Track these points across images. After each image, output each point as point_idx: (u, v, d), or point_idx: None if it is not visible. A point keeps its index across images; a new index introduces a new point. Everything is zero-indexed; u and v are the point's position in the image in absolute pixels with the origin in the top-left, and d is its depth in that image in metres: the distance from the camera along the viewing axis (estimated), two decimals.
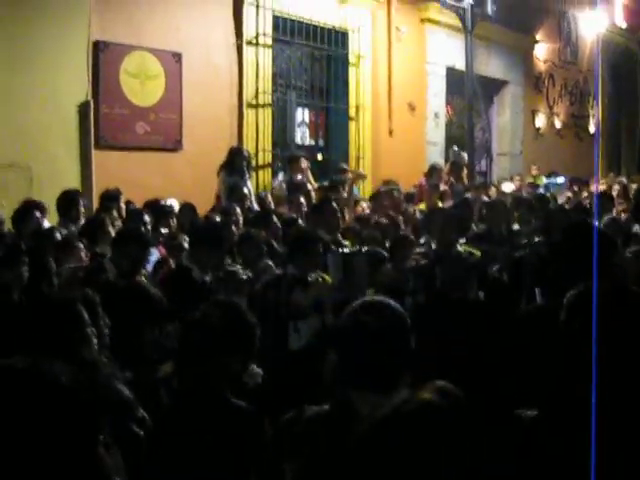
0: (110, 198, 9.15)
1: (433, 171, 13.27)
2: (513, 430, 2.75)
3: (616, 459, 2.42)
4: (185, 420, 3.39)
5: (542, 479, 2.60)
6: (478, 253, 7.59)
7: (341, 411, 2.87)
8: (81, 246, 7.03)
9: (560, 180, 16.88)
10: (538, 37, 20.98)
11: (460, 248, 7.62)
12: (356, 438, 1.82)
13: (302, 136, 14.75)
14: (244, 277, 6.75)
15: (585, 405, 2.50)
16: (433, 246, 7.92)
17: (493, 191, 14.24)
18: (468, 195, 12.04)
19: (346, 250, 7.62)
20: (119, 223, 8.05)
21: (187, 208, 9.29)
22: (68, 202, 8.67)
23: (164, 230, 8.26)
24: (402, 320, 2.99)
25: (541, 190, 15.70)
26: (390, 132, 15.71)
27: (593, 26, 21.78)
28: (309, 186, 11.16)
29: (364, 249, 7.57)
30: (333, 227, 8.21)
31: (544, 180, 17.42)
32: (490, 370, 4.78)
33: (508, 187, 15.52)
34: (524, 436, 2.68)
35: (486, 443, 1.99)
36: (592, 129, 23.09)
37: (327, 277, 6.76)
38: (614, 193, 13.35)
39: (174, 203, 9.64)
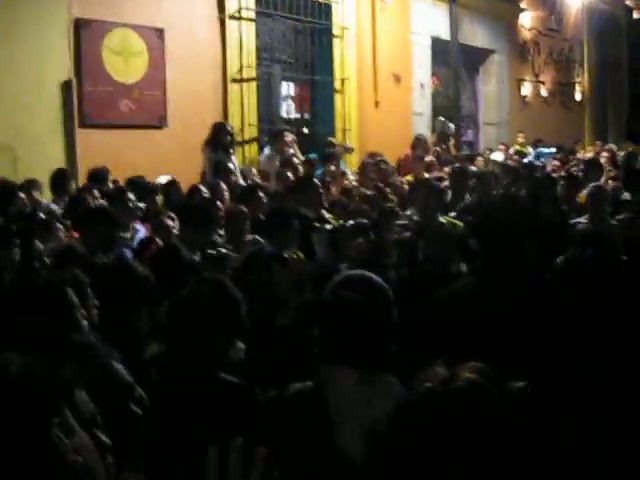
0: (97, 177, 9.13)
1: (418, 142, 13.25)
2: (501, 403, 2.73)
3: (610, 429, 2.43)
4: (177, 399, 3.39)
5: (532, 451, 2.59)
6: (461, 225, 7.57)
7: (323, 387, 2.88)
8: (60, 226, 7.00)
9: (550, 149, 16.86)
10: (523, 5, 20.91)
11: (443, 220, 7.60)
12: (393, 414, 1.77)
13: (288, 110, 14.69)
14: (227, 254, 6.76)
15: (574, 375, 2.51)
16: (415, 218, 7.90)
17: (480, 161, 14.22)
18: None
19: (330, 226, 7.64)
20: (103, 202, 7.99)
21: (171, 184, 9.26)
22: (60, 179, 8.98)
23: (141, 205, 8.15)
24: (384, 294, 2.98)
25: (530, 159, 15.71)
26: (376, 104, 15.65)
27: None
28: (296, 160, 11.12)
29: (348, 223, 7.58)
30: (316, 204, 8.19)
31: (530, 150, 17.38)
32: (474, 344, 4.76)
33: (498, 156, 15.51)
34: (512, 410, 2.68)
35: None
36: (578, 97, 23.07)
37: (300, 254, 6.76)
38: (602, 160, 13.33)
39: (165, 180, 9.65)
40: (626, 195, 9.30)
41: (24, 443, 1.56)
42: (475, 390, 1.68)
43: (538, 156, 16.14)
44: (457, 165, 11.11)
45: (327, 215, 8.28)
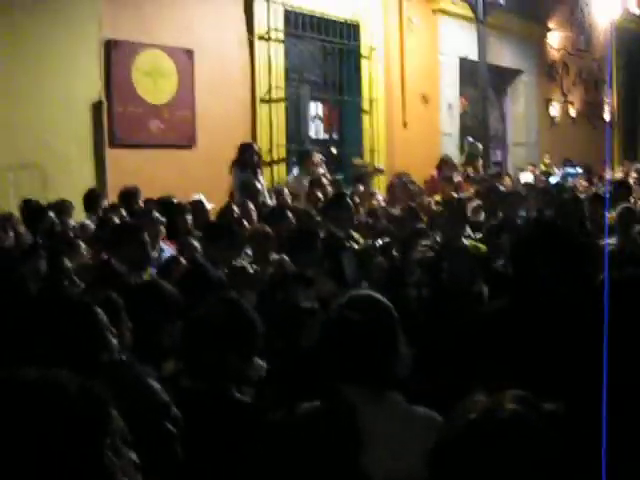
0: (128, 197, 9.19)
1: (444, 163, 13.24)
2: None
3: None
4: (190, 418, 3.41)
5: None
6: (484, 247, 7.58)
7: (331, 406, 2.91)
8: (83, 245, 7.06)
9: (577, 169, 16.79)
10: (551, 25, 20.87)
11: (466, 242, 7.61)
12: (437, 444, 1.79)
13: (316, 130, 14.76)
14: (251, 272, 6.79)
15: (600, 398, 2.49)
16: (438, 239, 7.91)
17: (507, 181, 14.19)
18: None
19: (359, 246, 7.67)
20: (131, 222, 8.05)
21: (197, 203, 9.30)
22: (93, 199, 9.21)
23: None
24: (388, 314, 3.03)
25: (557, 179, 15.65)
26: (404, 124, 15.68)
27: (606, 13, 21.65)
28: (324, 180, 11.14)
29: (378, 243, 7.60)
30: (347, 223, 8.21)
31: (556, 170, 17.28)
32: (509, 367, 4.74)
33: (526, 177, 15.46)
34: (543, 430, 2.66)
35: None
36: (607, 117, 22.98)
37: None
38: (631, 181, 13.26)
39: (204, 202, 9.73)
40: None
41: (81, 465, 1.57)
42: (519, 420, 1.70)
43: (565, 176, 16.06)
44: (489, 184, 11.11)
45: (355, 235, 8.30)
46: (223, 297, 3.94)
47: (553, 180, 15.36)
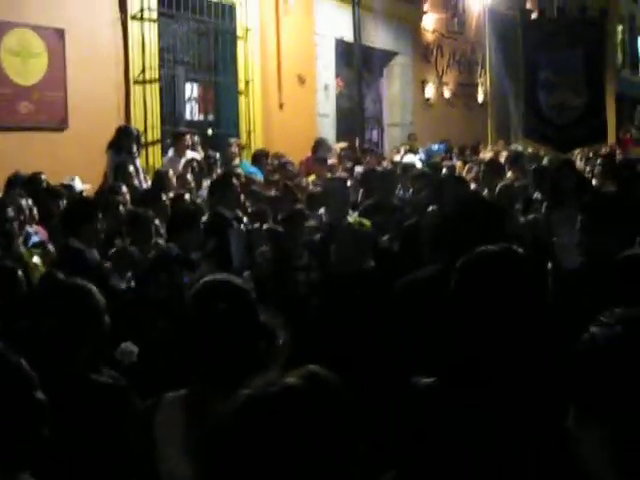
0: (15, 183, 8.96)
1: (319, 145, 13.32)
2: (410, 398, 2.78)
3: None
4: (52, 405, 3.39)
5: (439, 446, 2.63)
6: (368, 223, 7.64)
7: (197, 393, 2.94)
8: None
9: (436, 147, 17.00)
10: (426, 8, 21.15)
11: (350, 219, 7.66)
12: (211, 424, 1.78)
13: (191, 111, 14.66)
14: (134, 254, 6.78)
15: (477, 370, 2.57)
16: (324, 218, 7.96)
17: (385, 162, 14.38)
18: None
19: (247, 227, 7.68)
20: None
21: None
22: None
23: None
24: (246, 298, 3.04)
25: (421, 157, 15.89)
26: (280, 105, 15.69)
27: None
28: (195, 163, 11.08)
29: (265, 226, 7.63)
30: (233, 202, 8.22)
31: (420, 148, 17.42)
32: (384, 340, 4.81)
33: (410, 158, 15.61)
34: (421, 403, 2.72)
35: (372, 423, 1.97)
36: (480, 98, 23.46)
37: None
38: (502, 160, 13.57)
39: (77, 183, 9.59)
40: (537, 195, 9.46)
41: None
42: (287, 396, 1.67)
43: (428, 154, 16.28)
44: (367, 167, 11.24)
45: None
46: (65, 283, 3.85)
47: (417, 157, 15.59)
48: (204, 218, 7.76)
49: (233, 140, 13.33)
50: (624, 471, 1.63)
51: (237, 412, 1.68)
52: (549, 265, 6.11)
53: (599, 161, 11.51)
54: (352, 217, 7.81)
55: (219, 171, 11.02)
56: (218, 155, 12.13)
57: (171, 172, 10.32)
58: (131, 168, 10.09)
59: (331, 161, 12.81)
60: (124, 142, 10.74)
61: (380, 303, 5.22)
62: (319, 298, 6.37)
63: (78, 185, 9.79)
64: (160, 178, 10.19)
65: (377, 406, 2.97)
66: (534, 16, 11.85)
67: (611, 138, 23.21)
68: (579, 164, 13.24)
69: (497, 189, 8.93)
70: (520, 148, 16.38)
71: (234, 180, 8.63)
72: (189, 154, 11.76)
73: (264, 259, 7.02)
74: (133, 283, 6.59)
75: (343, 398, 1.72)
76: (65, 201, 8.32)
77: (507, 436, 2.45)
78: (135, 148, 10.95)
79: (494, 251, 2.80)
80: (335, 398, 1.70)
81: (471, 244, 3.11)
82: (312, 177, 11.81)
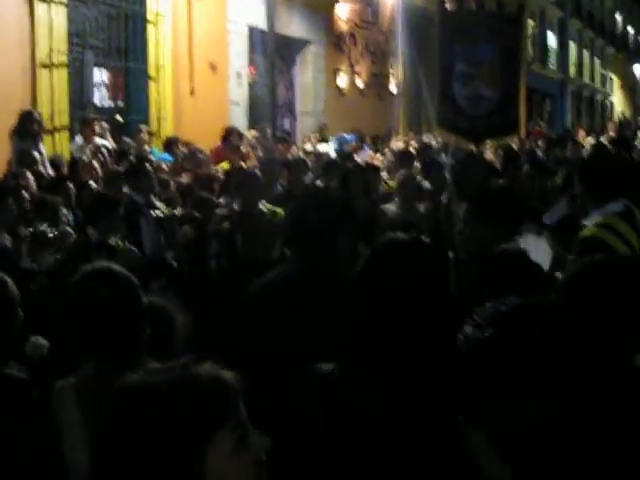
0: None
1: (230, 133, 13.21)
2: (309, 384, 2.77)
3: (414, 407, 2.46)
4: None
5: (341, 429, 2.63)
6: (281, 211, 7.61)
7: (87, 379, 2.92)
8: None
9: (347, 136, 17.04)
10: None
11: (263, 208, 7.62)
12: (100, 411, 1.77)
13: (100, 97, 14.39)
14: (50, 235, 6.69)
15: (379, 355, 2.56)
16: (235, 207, 7.91)
17: (294, 150, 14.37)
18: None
19: (159, 214, 7.61)
20: None
21: None
22: None
23: None
24: (129, 283, 3.03)
25: (333, 145, 15.94)
26: (192, 92, 15.53)
27: None
28: (105, 150, 10.91)
29: (177, 212, 7.57)
30: (147, 189, 8.15)
31: (331, 138, 17.45)
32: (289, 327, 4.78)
33: (324, 148, 15.60)
34: (321, 389, 2.71)
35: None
36: (393, 88, 23.59)
37: (123, 243, 6.74)
38: (412, 150, 13.71)
39: None
40: (427, 184, 9.57)
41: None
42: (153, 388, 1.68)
43: (340, 143, 16.31)
44: (266, 156, 11.22)
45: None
46: None
47: (329, 147, 15.62)
48: None
49: (142, 127, 13.15)
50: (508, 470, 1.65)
51: (113, 400, 1.71)
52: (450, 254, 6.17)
53: (501, 153, 11.78)
54: (264, 206, 7.77)
55: (132, 159, 10.85)
56: (131, 142, 11.97)
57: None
58: (36, 154, 9.87)
59: (243, 149, 12.71)
60: (28, 127, 10.48)
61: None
62: (229, 285, 6.38)
63: None
64: (75, 165, 10.07)
65: (273, 392, 2.99)
66: (451, 7, 11.93)
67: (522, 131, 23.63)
68: (489, 155, 13.42)
69: (398, 179, 9.01)
70: (431, 139, 16.54)
71: (148, 166, 8.55)
72: (97, 141, 11.54)
73: (186, 238, 7.01)
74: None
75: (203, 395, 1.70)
76: None
77: (407, 423, 2.44)
78: (39, 134, 10.69)
79: (402, 239, 2.81)
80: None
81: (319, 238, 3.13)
82: (224, 165, 11.70)
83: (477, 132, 10.19)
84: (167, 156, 11.94)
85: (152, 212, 7.58)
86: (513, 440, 1.65)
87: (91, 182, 9.09)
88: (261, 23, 16.30)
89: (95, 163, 9.89)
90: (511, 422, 1.65)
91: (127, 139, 12.25)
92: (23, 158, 9.80)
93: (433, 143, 15.09)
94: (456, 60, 10.55)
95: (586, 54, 48.99)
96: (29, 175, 8.76)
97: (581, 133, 22.47)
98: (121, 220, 7.01)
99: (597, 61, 51.66)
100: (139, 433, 1.62)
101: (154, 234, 7.12)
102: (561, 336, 1.71)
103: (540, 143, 17.18)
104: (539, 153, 13.60)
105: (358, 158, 12.70)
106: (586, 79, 49.08)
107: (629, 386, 2.57)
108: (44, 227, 6.90)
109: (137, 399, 1.66)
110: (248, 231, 6.43)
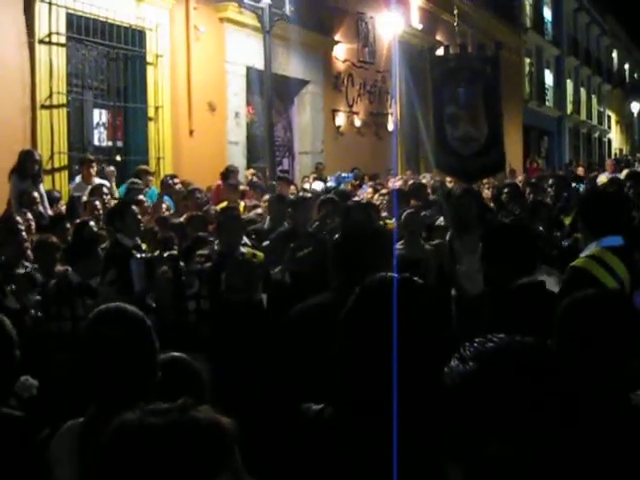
0: None
1: (229, 172, 13.29)
2: (299, 424, 2.77)
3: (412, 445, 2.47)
4: None
5: (331, 471, 2.62)
6: (261, 255, 7.66)
7: (92, 420, 2.91)
8: None
9: (345, 175, 17.12)
10: (337, 38, 21.38)
11: (243, 250, 7.65)
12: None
13: (100, 137, 14.49)
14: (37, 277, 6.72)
15: (376, 397, 2.57)
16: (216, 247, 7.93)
17: (292, 189, 14.41)
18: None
19: (147, 255, 7.61)
20: None
21: None
22: None
23: None
24: (140, 324, 3.02)
25: (331, 184, 16.02)
26: (190, 132, 15.66)
27: (390, 27, 22.41)
28: (105, 190, 10.96)
29: (166, 253, 7.57)
30: (133, 231, 8.15)
31: (329, 177, 17.53)
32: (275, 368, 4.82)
33: (318, 186, 15.70)
34: (310, 429, 2.71)
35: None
36: (391, 127, 23.72)
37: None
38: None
39: None
40: (440, 220, 9.61)
41: None
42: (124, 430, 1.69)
43: (338, 181, 16.41)
44: (275, 193, 11.27)
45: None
46: None
47: (325, 185, 15.72)
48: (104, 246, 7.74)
49: (145, 167, 13.23)
50: None
51: (106, 439, 1.69)
52: (452, 292, 6.21)
53: (506, 190, 11.78)
54: (245, 248, 7.80)
55: (141, 197, 10.89)
56: (141, 183, 12.01)
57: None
58: (35, 194, 9.92)
59: (242, 188, 12.79)
60: (28, 167, 10.53)
61: (269, 333, 5.25)
62: (209, 327, 6.40)
63: None
64: (73, 204, 10.09)
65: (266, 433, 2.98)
66: (439, 52, 12.26)
67: (517, 166, 23.83)
68: (486, 192, 13.49)
69: (402, 217, 9.04)
70: (427, 178, 16.65)
71: (133, 208, 8.56)
72: (96, 181, 11.60)
73: (165, 280, 7.01)
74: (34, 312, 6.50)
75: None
76: None
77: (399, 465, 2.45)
78: (38, 173, 10.74)
79: (392, 278, 2.81)
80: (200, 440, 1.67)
81: (361, 269, 3.13)
82: (223, 204, 11.75)
83: (468, 172, 10.37)
84: (166, 197, 11.96)
85: (138, 254, 7.57)
86: (489, 476, 1.67)
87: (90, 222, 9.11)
88: (259, 63, 16.41)
89: (97, 202, 9.93)
90: (485, 457, 1.67)
91: (136, 180, 12.24)
92: (23, 198, 9.85)
93: (431, 182, 15.19)
94: (445, 103, 10.80)
95: (583, 91, 49.33)
96: (29, 215, 8.79)
97: (580, 169, 22.55)
98: (101, 261, 7.04)
99: (594, 98, 51.99)
100: (132, 473, 1.60)
101: (142, 276, 7.13)
102: (543, 376, 1.73)
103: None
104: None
105: (358, 196, 12.75)
106: (583, 116, 49.37)
107: (622, 425, 2.61)
108: (30, 268, 6.92)
109: (132, 439, 1.64)
110: (230, 272, 6.45)
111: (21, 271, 6.84)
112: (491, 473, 1.65)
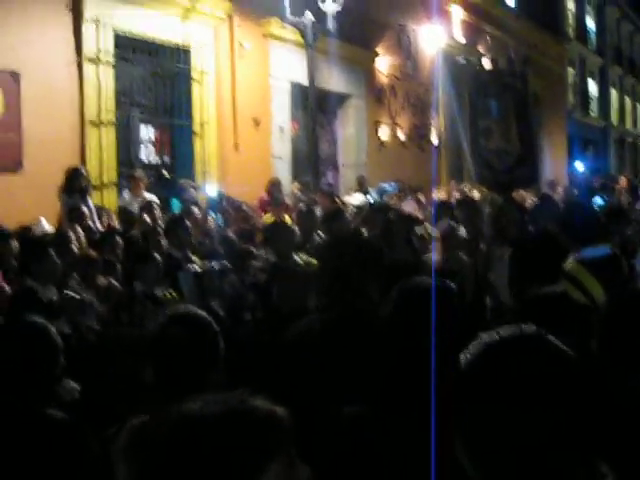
0: None
1: (273, 185, 13.44)
2: (335, 426, 2.85)
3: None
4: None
5: (367, 473, 2.70)
6: (315, 262, 7.73)
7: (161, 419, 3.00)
8: None
9: (387, 186, 17.16)
10: (379, 51, 21.43)
11: (298, 259, 7.75)
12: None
13: (147, 154, 14.72)
14: (84, 299, 6.82)
15: (413, 399, 2.65)
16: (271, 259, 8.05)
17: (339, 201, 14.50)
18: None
19: (197, 268, 7.76)
20: None
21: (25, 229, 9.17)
22: None
23: None
24: (207, 327, 3.15)
25: (374, 196, 16.09)
26: (236, 147, 15.81)
27: (432, 40, 22.48)
28: (154, 204, 11.14)
29: (214, 265, 7.71)
30: (184, 244, 8.33)
31: (371, 189, 17.56)
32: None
33: (355, 199, 15.78)
34: (347, 431, 2.80)
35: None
36: (434, 139, 23.73)
37: (173, 293, 6.90)
38: (453, 200, 13.80)
39: (44, 224, 9.61)
40: (463, 231, 9.65)
41: None
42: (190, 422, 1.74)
43: (381, 193, 16.47)
44: (305, 206, 11.36)
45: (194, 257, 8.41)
46: (24, 321, 3.92)
47: (363, 197, 15.78)
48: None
49: (189, 182, 13.43)
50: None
51: (167, 429, 1.74)
52: (487, 300, 6.26)
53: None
54: (300, 257, 7.90)
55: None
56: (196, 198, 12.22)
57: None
58: (84, 209, 10.13)
59: (287, 201, 12.92)
60: (76, 184, 10.75)
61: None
62: (264, 337, 6.49)
63: (45, 226, 9.79)
64: (125, 214, 10.33)
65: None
66: (487, 65, 12.42)
67: (560, 177, 23.66)
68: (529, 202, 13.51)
69: (439, 228, 9.11)
70: (468, 188, 16.69)
71: (186, 222, 8.74)
72: (145, 196, 11.81)
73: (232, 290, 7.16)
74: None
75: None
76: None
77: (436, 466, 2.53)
78: (87, 189, 10.95)
79: (429, 283, 2.90)
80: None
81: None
82: (268, 217, 11.90)
83: (503, 185, 10.45)
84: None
85: (190, 266, 7.72)
86: (482, 449, 1.77)
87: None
88: (303, 78, 16.55)
89: (147, 217, 10.12)
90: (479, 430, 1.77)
91: (189, 195, 12.46)
92: (72, 214, 10.05)
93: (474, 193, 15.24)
94: (479, 115, 10.89)
95: (628, 100, 48.86)
96: (79, 230, 8.98)
97: (623, 180, 22.35)
98: (160, 270, 7.19)
99: (639, 107, 51.47)
100: (193, 461, 1.65)
101: (193, 288, 7.27)
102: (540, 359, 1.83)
103: None
104: None
105: (402, 208, 12.82)
106: (628, 125, 48.90)
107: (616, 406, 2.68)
108: (70, 291, 7.04)
109: (193, 427, 1.70)
110: (283, 282, 6.53)
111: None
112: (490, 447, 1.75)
